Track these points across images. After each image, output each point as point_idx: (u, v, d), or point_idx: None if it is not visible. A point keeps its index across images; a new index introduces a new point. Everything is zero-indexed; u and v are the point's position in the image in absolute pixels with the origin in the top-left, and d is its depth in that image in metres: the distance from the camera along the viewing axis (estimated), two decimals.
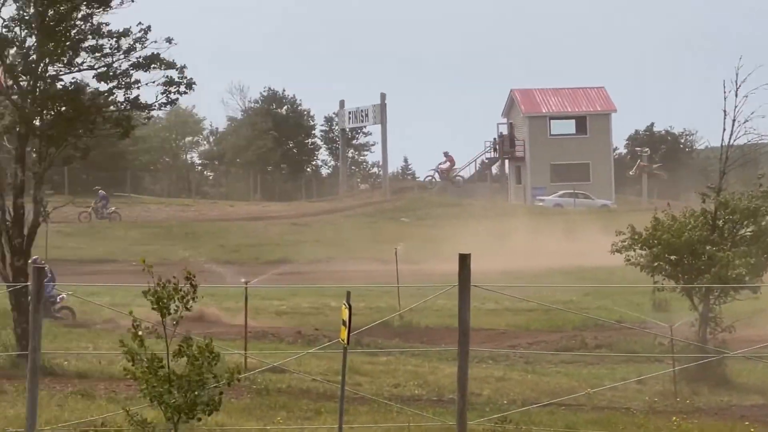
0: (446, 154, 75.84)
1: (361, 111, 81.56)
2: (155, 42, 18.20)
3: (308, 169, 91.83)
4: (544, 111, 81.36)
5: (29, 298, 14.17)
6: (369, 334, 21.07)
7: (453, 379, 14.11)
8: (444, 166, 72.10)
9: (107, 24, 17.90)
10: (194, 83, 19.12)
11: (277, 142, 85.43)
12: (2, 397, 14.52)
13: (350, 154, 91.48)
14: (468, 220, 59.48)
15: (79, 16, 17.53)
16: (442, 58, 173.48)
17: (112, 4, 17.68)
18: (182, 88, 18.69)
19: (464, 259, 7.92)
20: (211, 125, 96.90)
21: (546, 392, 16.33)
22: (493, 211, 64.57)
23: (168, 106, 19.42)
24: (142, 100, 18.83)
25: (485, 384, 17.75)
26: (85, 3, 17.35)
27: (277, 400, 15.58)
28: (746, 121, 19.75)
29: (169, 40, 17.76)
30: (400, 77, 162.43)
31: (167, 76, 18.37)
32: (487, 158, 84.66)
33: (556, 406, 13.92)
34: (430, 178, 78.96)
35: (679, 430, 12.53)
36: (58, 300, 25.26)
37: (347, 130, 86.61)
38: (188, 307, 8.47)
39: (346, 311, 9.40)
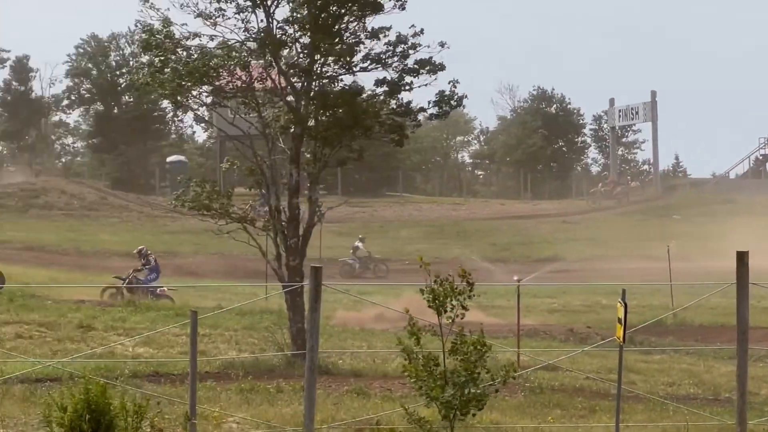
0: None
1: (631, 109, 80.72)
2: (428, 46, 17.89)
3: (578, 168, 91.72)
4: None
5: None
6: (642, 332, 20.61)
7: (729, 378, 15.11)
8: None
9: (387, 28, 17.97)
10: (465, 97, 19.00)
11: (547, 140, 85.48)
12: (279, 396, 14.70)
13: (620, 152, 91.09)
14: (742, 217, 56.36)
15: (352, 18, 17.86)
16: (714, 54, 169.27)
17: (385, 8, 17.82)
18: (453, 102, 18.73)
19: (742, 257, 7.80)
20: (481, 125, 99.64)
21: None
22: None
23: (438, 118, 20.30)
24: (414, 105, 18.58)
25: (763, 383, 17.30)
26: (356, 6, 17.52)
27: (551, 398, 15.49)
28: None
29: (442, 45, 17.75)
30: (671, 74, 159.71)
31: (439, 92, 18.13)
32: (761, 155, 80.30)
33: None
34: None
35: None
36: (158, 292, 26.66)
37: (617, 128, 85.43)
38: (465, 306, 8.36)
39: (622, 309, 9.18)
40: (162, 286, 27.65)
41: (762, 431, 11.46)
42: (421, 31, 17.92)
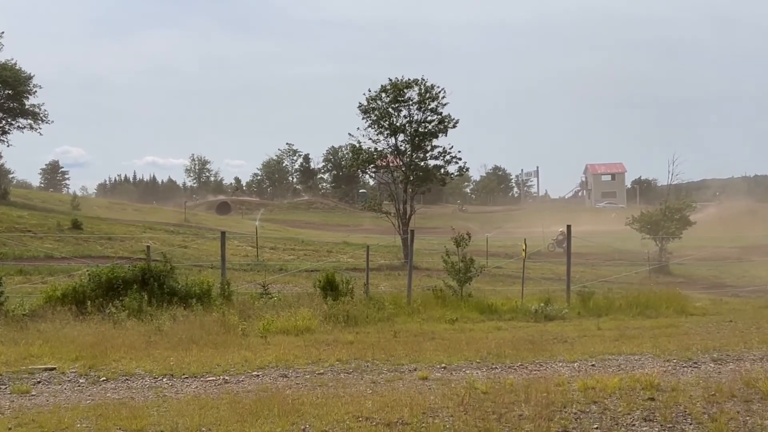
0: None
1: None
2: (452, 146, 41.91)
3: None
4: None
5: None
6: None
7: None
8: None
9: (437, 146, 41.96)
10: (467, 170, 45.04)
11: None
12: (399, 275, 32.24)
13: None
14: None
15: (426, 143, 41.86)
16: None
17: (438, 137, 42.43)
18: (465, 171, 42.84)
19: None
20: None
21: None
22: None
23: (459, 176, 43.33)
24: (450, 172, 42.67)
25: None
26: (426, 141, 41.83)
27: (498, 276, 29.03)
28: None
29: (459, 157, 45.31)
30: None
31: (459, 168, 41.60)
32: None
33: None
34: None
35: None
36: None
37: None
38: (467, 244, 20.14)
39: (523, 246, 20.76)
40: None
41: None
42: (451, 146, 41.30)
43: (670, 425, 7.07)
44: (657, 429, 6.96)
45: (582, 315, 16.97)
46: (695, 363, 10.63)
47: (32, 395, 8.89)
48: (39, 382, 9.58)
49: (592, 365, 10.57)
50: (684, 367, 10.35)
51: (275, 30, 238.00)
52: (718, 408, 7.59)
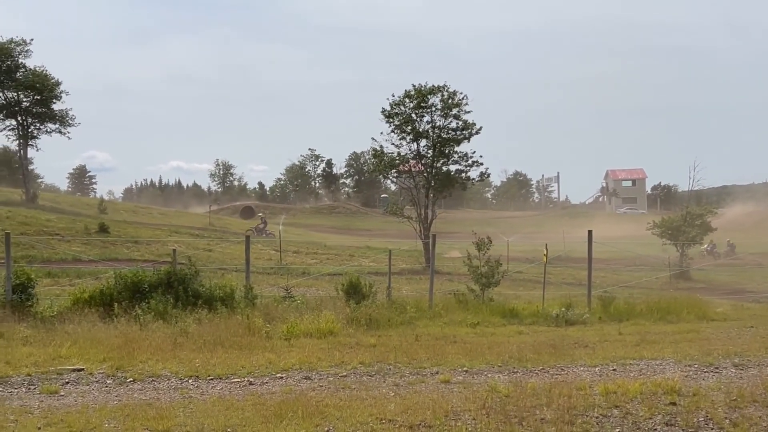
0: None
1: None
2: (474, 152, 41.59)
3: None
4: None
5: None
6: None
7: None
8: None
9: (459, 151, 42.31)
10: (489, 175, 45.81)
11: None
12: (422, 279, 33.87)
13: None
14: None
15: (447, 149, 42.08)
16: None
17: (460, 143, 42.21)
18: (485, 177, 42.55)
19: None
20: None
21: None
22: None
23: (479, 181, 43.40)
24: (471, 176, 42.58)
25: None
26: (446, 146, 41.87)
27: (521, 282, 28.18)
28: None
29: (480, 161, 46.06)
30: None
31: (480, 173, 41.60)
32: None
33: None
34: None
35: None
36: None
37: None
38: (489, 249, 19.74)
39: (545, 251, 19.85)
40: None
41: None
42: (473, 152, 41.05)
43: (692, 430, 7.03)
44: None
45: (603, 320, 16.91)
46: (716, 368, 10.57)
47: (61, 395, 8.97)
48: (67, 383, 9.66)
49: (614, 370, 10.52)
50: (705, 372, 10.29)
51: (295, 37, 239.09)
52: (740, 413, 7.55)
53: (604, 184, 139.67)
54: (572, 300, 18.91)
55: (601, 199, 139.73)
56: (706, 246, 50.12)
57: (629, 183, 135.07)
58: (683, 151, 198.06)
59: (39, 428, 7.22)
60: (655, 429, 7.09)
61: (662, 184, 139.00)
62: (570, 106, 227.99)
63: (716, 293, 30.95)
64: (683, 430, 7.05)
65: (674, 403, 7.98)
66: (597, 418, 7.45)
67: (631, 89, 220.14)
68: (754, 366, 10.67)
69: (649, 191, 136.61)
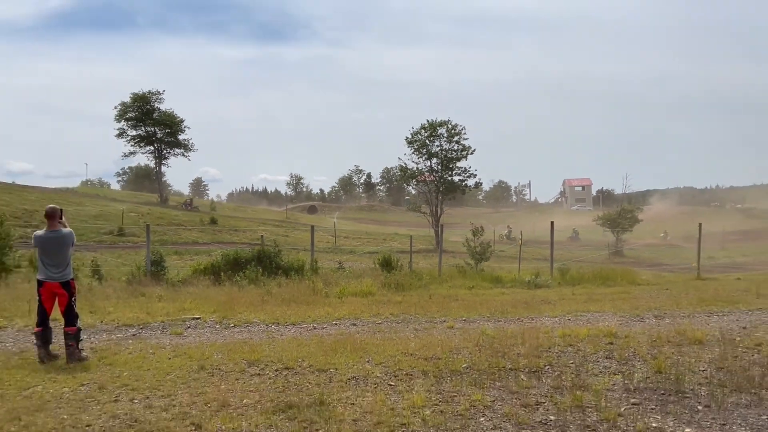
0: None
1: None
2: (470, 167, 41.52)
3: None
4: None
5: None
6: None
7: None
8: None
9: (462, 167, 41.90)
10: (482, 183, 42.74)
11: None
12: (432, 256, 34.56)
13: None
14: None
15: (452, 164, 41.57)
16: None
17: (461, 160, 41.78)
18: (480, 185, 41.91)
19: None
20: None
21: None
22: None
23: (475, 189, 42.81)
24: (468, 185, 42.45)
25: None
26: (450, 165, 41.38)
27: (504, 257, 29.46)
28: None
29: (475, 173, 43.84)
30: None
31: (475, 183, 41.18)
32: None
33: None
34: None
35: None
36: None
37: None
38: (482, 234, 20.06)
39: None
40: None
41: None
42: (470, 167, 40.91)
43: (624, 362, 6.96)
44: (615, 364, 6.85)
45: (561, 284, 16.77)
46: (642, 318, 10.45)
47: (184, 336, 9.08)
48: (188, 327, 9.77)
49: (569, 319, 10.43)
50: (634, 321, 10.18)
51: (346, 87, 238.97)
52: (658, 350, 7.46)
53: (562, 189, 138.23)
54: (539, 270, 18.78)
55: (559, 199, 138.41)
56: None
57: (580, 188, 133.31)
58: (619, 164, 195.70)
59: (170, 358, 7.31)
60: (598, 361, 7.03)
61: (603, 188, 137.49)
62: (539, 133, 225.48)
63: (642, 266, 30.71)
64: (618, 362, 6.97)
65: (611, 343, 7.91)
66: (557, 353, 7.40)
67: (576, 123, 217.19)
68: (668, 317, 10.53)
69: (594, 194, 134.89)
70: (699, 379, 6.15)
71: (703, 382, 6.07)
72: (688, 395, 5.65)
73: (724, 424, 4.92)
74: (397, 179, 53.23)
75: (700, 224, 20.27)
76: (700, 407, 5.33)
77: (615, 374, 6.36)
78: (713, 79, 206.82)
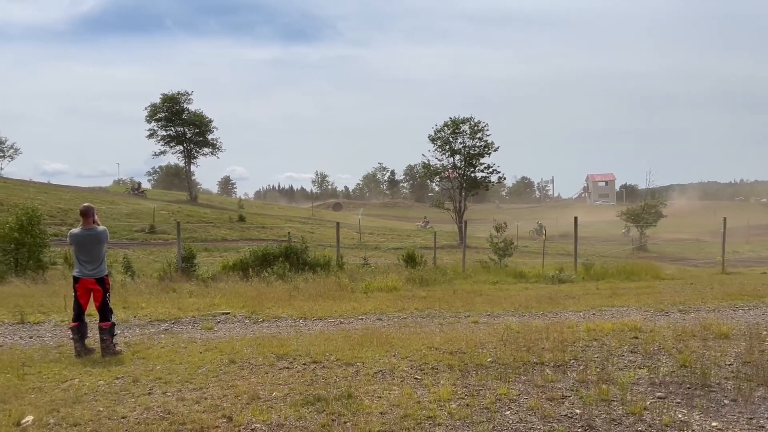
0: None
1: None
2: (494, 164, 41.80)
3: None
4: None
5: None
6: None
7: None
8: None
9: (484, 163, 41.43)
10: (505, 178, 41.41)
11: None
12: (457, 251, 34.58)
13: None
14: None
15: (475, 161, 41.37)
16: None
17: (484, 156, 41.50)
18: (502, 180, 41.12)
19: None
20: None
21: None
22: None
23: (498, 183, 42.46)
24: (491, 180, 41.75)
25: None
26: (474, 161, 41.29)
27: (527, 253, 31.22)
28: None
29: (498, 171, 44.88)
30: None
31: (498, 177, 40.78)
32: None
33: None
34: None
35: None
36: None
37: None
38: (504, 230, 19.64)
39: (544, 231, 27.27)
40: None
41: None
42: (494, 163, 40.73)
43: (649, 356, 6.87)
44: (640, 359, 6.77)
45: (585, 279, 16.60)
46: (666, 313, 10.30)
47: (214, 330, 9.18)
48: (219, 322, 9.87)
49: (593, 314, 10.33)
50: (658, 315, 10.04)
51: (369, 86, 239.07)
52: (684, 344, 7.36)
53: (585, 184, 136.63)
54: (563, 265, 18.62)
55: (583, 195, 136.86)
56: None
57: (603, 183, 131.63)
58: (642, 160, 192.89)
59: (201, 352, 7.39)
60: (623, 355, 6.95)
61: (627, 183, 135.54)
62: (562, 129, 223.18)
63: (666, 260, 30.24)
64: (643, 356, 6.89)
65: (636, 337, 7.81)
66: (582, 347, 7.33)
67: (603, 119, 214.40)
68: (693, 311, 10.38)
69: (618, 189, 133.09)
70: (725, 374, 6.04)
71: (729, 376, 5.96)
72: (714, 389, 5.57)
73: (751, 418, 4.83)
74: (421, 176, 53.21)
75: (725, 218, 19.95)
76: (726, 401, 5.25)
77: (640, 368, 6.29)
78: (738, 74, 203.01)
